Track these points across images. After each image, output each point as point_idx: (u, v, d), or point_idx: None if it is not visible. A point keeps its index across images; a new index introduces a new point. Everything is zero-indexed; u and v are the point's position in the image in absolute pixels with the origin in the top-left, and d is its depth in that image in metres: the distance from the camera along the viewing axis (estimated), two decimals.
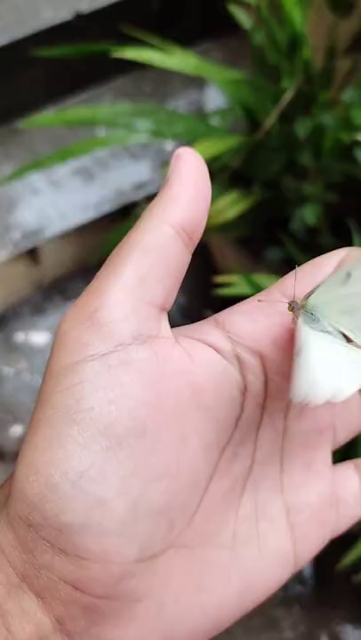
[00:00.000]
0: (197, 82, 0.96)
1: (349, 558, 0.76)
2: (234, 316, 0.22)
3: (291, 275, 0.23)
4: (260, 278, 0.66)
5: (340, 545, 0.76)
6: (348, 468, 0.25)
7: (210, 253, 0.96)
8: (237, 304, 0.23)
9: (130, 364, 0.20)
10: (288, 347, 0.22)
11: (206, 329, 0.22)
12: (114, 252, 0.21)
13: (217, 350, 0.22)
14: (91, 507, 0.19)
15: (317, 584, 0.98)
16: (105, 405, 0.19)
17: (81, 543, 0.19)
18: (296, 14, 0.56)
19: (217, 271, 0.91)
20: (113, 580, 0.19)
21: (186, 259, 0.21)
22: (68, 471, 0.19)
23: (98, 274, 0.21)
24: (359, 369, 0.21)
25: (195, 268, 0.95)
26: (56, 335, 0.20)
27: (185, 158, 0.21)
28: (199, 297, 1.04)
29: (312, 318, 0.22)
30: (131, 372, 0.20)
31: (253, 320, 0.22)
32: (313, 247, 0.73)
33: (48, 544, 0.19)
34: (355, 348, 0.22)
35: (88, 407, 0.19)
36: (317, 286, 0.22)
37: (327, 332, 0.22)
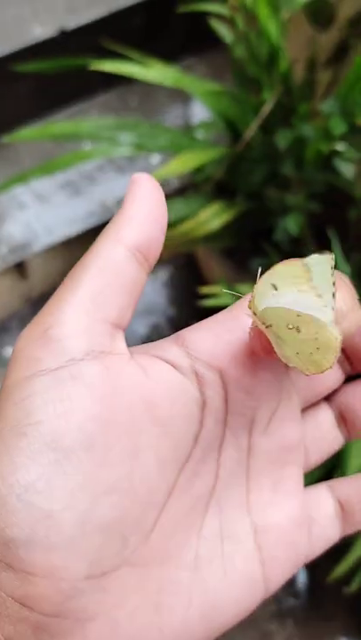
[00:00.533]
0: (182, 96, 0.97)
1: (341, 569, 0.75)
2: (195, 333, 0.22)
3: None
4: (244, 288, 0.67)
5: (332, 557, 0.76)
6: (321, 489, 0.25)
7: (197, 265, 0.96)
8: (203, 320, 0.23)
9: (80, 378, 0.20)
10: (248, 362, 0.22)
11: (165, 346, 0.22)
12: (70, 272, 0.22)
13: (174, 366, 0.22)
14: (37, 520, 0.18)
15: (311, 597, 0.98)
16: (54, 419, 0.19)
17: (27, 558, 0.18)
18: (272, 27, 0.57)
19: (204, 282, 0.91)
20: (62, 596, 0.19)
21: (141, 278, 0.22)
22: (14, 484, 0.19)
23: (55, 293, 0.21)
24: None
25: (182, 279, 0.95)
26: (12, 352, 0.21)
27: (140, 183, 0.22)
28: (188, 308, 1.05)
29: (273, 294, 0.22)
30: (81, 386, 0.20)
31: (215, 335, 0.22)
32: (297, 257, 0.73)
33: None
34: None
35: (37, 420, 0.19)
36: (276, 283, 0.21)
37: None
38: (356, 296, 0.23)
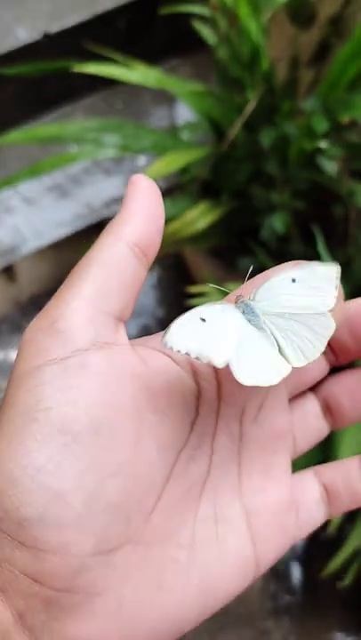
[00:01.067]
0: (167, 98, 0.98)
1: (334, 564, 0.76)
2: None
3: (246, 285, 0.24)
4: (232, 287, 0.67)
5: (326, 553, 0.76)
6: (308, 474, 0.26)
7: (185, 265, 0.96)
8: None
9: (87, 367, 0.21)
10: None
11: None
12: (75, 267, 0.23)
13: (171, 358, 0.23)
14: (49, 500, 0.20)
15: (306, 594, 0.98)
16: (63, 405, 0.20)
17: (40, 535, 0.20)
18: (252, 26, 0.57)
19: (193, 282, 0.91)
20: (71, 572, 0.20)
21: (141, 273, 0.23)
22: (27, 465, 0.20)
23: (60, 287, 0.23)
24: (278, 368, 0.22)
25: (171, 280, 0.95)
26: (21, 342, 0.22)
27: (138, 183, 0.23)
28: (177, 308, 1.05)
29: (252, 313, 0.23)
30: (87, 374, 0.21)
31: None
32: (284, 255, 0.74)
33: (9, 537, 0.20)
34: (279, 356, 0.23)
35: (47, 407, 0.20)
36: (263, 285, 0.23)
37: (261, 328, 0.23)
38: (341, 290, 0.24)
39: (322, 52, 0.75)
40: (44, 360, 0.21)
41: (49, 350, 0.21)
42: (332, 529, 0.69)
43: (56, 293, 0.23)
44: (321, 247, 0.56)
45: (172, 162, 0.67)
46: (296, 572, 0.97)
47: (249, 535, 0.24)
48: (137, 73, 0.61)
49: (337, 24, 0.72)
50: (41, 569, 0.20)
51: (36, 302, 1.02)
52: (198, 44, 0.79)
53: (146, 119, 0.97)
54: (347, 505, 0.26)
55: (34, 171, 0.68)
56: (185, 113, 0.96)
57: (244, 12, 0.56)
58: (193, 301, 0.71)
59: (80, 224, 0.91)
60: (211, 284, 0.66)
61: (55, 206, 0.91)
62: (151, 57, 0.90)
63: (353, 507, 0.26)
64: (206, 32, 0.73)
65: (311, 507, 0.25)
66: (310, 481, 0.26)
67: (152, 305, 1.05)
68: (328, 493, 0.26)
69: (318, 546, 0.98)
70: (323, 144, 0.60)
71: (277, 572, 0.97)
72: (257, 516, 0.24)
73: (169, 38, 0.98)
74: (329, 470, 0.26)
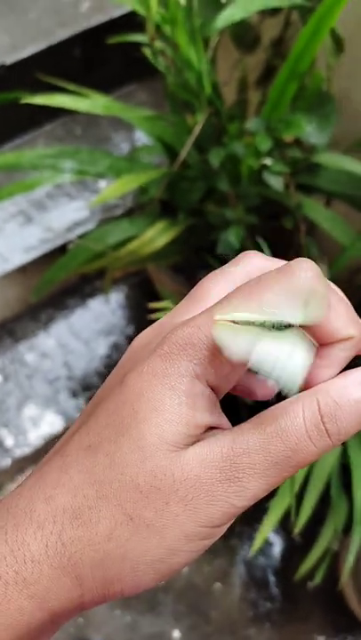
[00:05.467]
0: (126, 123, 1.01)
1: (306, 566, 0.78)
2: None
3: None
4: None
5: (303, 559, 0.78)
6: None
7: (150, 283, 0.99)
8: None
9: None
10: None
11: None
12: None
13: None
14: None
15: (286, 600, 0.99)
16: None
17: None
18: (192, 54, 0.60)
19: (159, 298, 0.94)
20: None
21: None
22: None
23: None
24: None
25: (137, 298, 0.97)
26: None
27: None
28: (145, 325, 1.07)
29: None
30: None
31: None
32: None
33: None
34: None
35: None
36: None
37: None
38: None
39: (267, 73, 0.78)
40: None
41: None
42: (296, 532, 0.71)
43: None
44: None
45: (128, 182, 0.69)
46: (274, 580, 0.98)
47: None
48: (85, 102, 0.64)
49: (279, 46, 0.75)
50: None
51: (7, 327, 1.03)
52: (154, 70, 0.82)
53: (106, 144, 1.00)
54: None
55: None
56: (143, 137, 0.99)
57: (182, 40, 0.59)
58: (155, 316, 0.73)
59: (46, 248, 0.93)
60: (169, 299, 0.68)
61: (20, 232, 0.94)
62: (109, 84, 0.93)
63: None
64: (158, 59, 0.77)
65: None
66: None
67: (121, 324, 1.08)
68: None
69: (294, 552, 0.99)
70: (267, 161, 0.63)
71: (256, 581, 0.98)
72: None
73: (125, 65, 1.01)
74: None
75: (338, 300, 0.23)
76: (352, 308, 0.24)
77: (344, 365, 0.24)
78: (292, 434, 0.22)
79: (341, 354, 0.24)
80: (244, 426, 0.23)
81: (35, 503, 0.23)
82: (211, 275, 0.26)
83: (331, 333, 0.23)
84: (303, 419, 0.22)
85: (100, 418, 0.24)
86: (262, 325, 0.22)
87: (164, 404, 0.22)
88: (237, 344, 0.22)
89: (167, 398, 0.22)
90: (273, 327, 0.22)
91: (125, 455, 0.22)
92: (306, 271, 0.23)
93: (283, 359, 0.22)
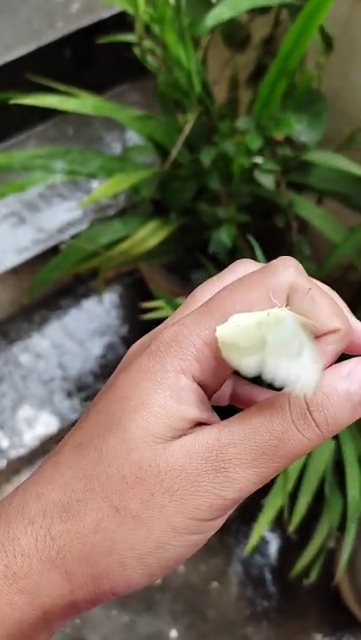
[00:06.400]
0: (118, 123, 1.01)
1: (302, 563, 0.78)
2: None
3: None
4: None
5: (299, 557, 0.78)
6: None
7: (144, 282, 0.99)
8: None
9: None
10: None
11: None
12: None
13: None
14: None
15: (283, 598, 0.99)
16: None
17: None
18: (181, 53, 0.60)
19: (152, 298, 0.94)
20: None
21: None
22: None
23: None
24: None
25: (131, 298, 0.97)
26: None
27: None
28: (140, 324, 1.07)
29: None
30: None
31: None
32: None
33: None
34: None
35: None
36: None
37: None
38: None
39: (258, 72, 0.78)
40: None
41: None
42: (291, 529, 0.71)
43: None
44: (259, 256, 0.58)
45: (119, 182, 0.69)
46: (270, 578, 0.98)
47: None
48: (74, 102, 0.64)
49: (269, 44, 0.75)
50: None
51: (1, 328, 1.03)
52: (145, 70, 0.82)
53: (98, 144, 1.00)
54: None
55: None
56: (135, 137, 0.99)
57: (171, 40, 0.59)
58: (148, 316, 0.73)
59: (39, 249, 0.93)
60: (162, 299, 0.68)
61: (13, 233, 0.94)
62: (100, 84, 0.93)
63: None
64: (149, 59, 0.77)
65: None
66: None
67: (116, 324, 1.07)
68: None
69: (290, 550, 0.99)
70: (258, 159, 0.63)
71: (253, 579, 0.98)
72: None
73: (116, 66, 1.01)
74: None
75: (321, 294, 0.23)
76: (338, 302, 0.25)
77: (334, 359, 0.24)
78: (277, 423, 0.22)
79: (329, 347, 0.24)
80: (231, 419, 0.23)
81: (27, 500, 0.23)
82: (205, 283, 0.26)
83: (316, 327, 0.23)
84: (289, 408, 0.22)
85: (91, 417, 0.24)
86: (260, 325, 0.22)
87: (150, 399, 0.23)
88: (247, 365, 0.22)
89: (153, 393, 0.23)
90: (272, 327, 0.22)
91: (112, 449, 0.22)
92: (287, 267, 0.23)
93: (295, 368, 0.22)
